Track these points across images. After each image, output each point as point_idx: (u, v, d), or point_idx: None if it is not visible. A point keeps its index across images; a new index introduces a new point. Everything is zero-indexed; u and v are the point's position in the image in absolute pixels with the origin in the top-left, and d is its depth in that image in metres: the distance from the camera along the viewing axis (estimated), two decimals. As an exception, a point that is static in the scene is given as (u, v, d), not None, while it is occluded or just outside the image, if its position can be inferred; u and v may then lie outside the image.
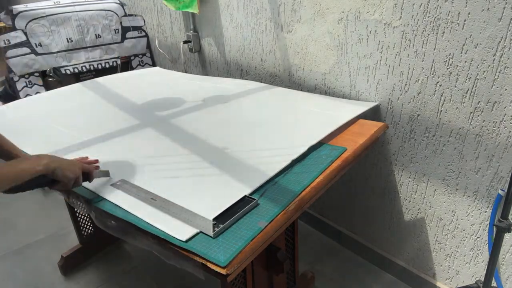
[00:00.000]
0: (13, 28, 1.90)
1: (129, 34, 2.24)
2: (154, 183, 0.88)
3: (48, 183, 0.81)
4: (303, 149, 0.99)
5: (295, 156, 0.96)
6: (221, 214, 0.75)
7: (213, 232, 0.69)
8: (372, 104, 1.26)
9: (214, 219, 0.73)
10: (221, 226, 0.71)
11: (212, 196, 0.82)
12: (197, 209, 0.77)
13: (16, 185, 0.75)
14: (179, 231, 0.72)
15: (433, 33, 1.08)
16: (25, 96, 1.94)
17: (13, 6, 1.93)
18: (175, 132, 1.16)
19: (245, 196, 0.80)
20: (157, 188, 0.86)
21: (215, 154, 1.01)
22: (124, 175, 0.93)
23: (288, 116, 1.22)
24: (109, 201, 0.84)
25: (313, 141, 1.02)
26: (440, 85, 1.12)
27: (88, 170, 0.87)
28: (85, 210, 0.89)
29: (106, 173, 0.92)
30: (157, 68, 1.92)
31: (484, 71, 1.01)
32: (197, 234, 0.71)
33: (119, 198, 0.84)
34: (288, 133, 1.11)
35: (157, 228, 0.74)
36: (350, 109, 1.22)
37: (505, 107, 1.00)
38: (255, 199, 0.78)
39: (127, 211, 0.80)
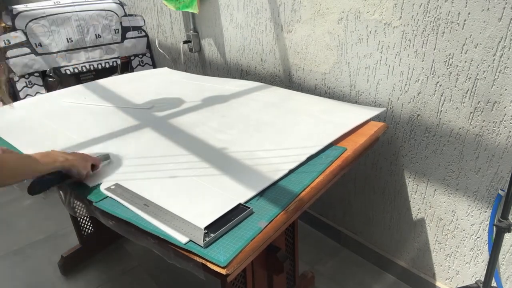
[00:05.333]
0: (13, 28, 1.90)
1: (129, 34, 2.24)
2: (150, 186, 0.88)
3: (63, 178, 0.89)
4: (311, 151, 0.98)
5: (299, 161, 0.94)
6: (214, 223, 0.73)
7: (203, 241, 0.68)
8: (379, 110, 1.21)
9: (205, 228, 0.71)
10: (212, 235, 0.70)
11: (209, 200, 0.81)
12: (191, 214, 0.76)
13: (37, 182, 0.84)
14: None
15: (433, 33, 1.08)
16: (25, 96, 1.94)
17: (13, 6, 1.93)
18: (173, 133, 1.16)
19: (240, 204, 0.78)
20: (153, 191, 0.85)
21: (214, 155, 1.01)
22: (121, 177, 0.92)
23: (290, 119, 1.20)
24: (108, 202, 0.84)
25: (318, 147, 1.00)
26: (440, 85, 1.12)
27: (95, 162, 0.94)
28: (84, 211, 0.89)
29: (106, 157, 0.98)
30: (165, 69, 1.92)
31: (484, 71, 1.01)
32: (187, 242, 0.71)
33: (111, 204, 0.83)
34: (290, 136, 1.09)
35: (157, 228, 0.74)
36: (357, 115, 1.18)
37: (505, 107, 1.00)
38: (249, 208, 0.77)
39: (127, 210, 0.80)
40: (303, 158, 0.95)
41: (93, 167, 0.93)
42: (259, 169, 0.92)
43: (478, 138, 1.08)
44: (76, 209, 0.93)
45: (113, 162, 0.99)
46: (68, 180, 0.90)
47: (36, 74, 1.98)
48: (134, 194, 0.85)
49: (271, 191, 0.84)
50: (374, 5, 1.19)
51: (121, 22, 2.20)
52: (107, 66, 2.19)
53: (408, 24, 1.13)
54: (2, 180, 0.76)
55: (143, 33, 2.30)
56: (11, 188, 1.08)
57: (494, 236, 1.10)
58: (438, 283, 1.37)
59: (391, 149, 1.33)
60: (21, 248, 1.78)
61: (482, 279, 1.11)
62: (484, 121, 1.06)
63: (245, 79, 1.79)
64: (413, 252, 1.41)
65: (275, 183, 0.87)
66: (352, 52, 1.31)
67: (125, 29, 2.22)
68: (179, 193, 0.84)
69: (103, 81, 1.72)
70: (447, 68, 1.08)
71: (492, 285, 1.09)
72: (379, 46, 1.22)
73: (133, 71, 2.23)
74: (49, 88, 2.00)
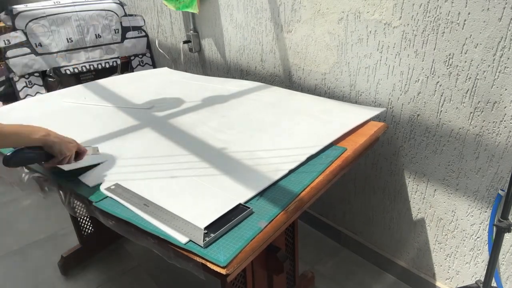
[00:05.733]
0: (13, 28, 1.90)
1: (129, 34, 2.24)
2: (150, 186, 0.88)
3: (43, 157, 0.85)
4: (311, 151, 0.97)
5: (299, 161, 0.94)
6: (214, 223, 0.73)
7: (203, 241, 0.69)
8: (379, 110, 1.21)
9: (205, 228, 0.72)
10: (212, 235, 0.70)
11: (209, 200, 0.81)
12: (191, 214, 0.76)
13: (15, 153, 0.80)
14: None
15: (433, 33, 1.08)
16: (25, 96, 1.94)
17: (13, 6, 1.93)
18: (173, 133, 1.16)
19: (239, 204, 0.78)
20: (153, 191, 0.85)
21: (214, 155, 1.01)
22: (121, 177, 0.92)
23: (290, 119, 1.20)
24: (108, 201, 0.84)
25: (318, 147, 1.00)
26: (440, 85, 1.12)
27: (81, 151, 0.92)
28: (84, 211, 0.89)
29: (95, 150, 0.98)
30: (165, 69, 1.92)
31: (484, 71, 1.01)
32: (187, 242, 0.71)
33: (111, 204, 0.83)
34: (290, 136, 1.09)
35: (157, 228, 0.74)
36: (357, 115, 1.17)
37: (505, 107, 1.00)
38: (249, 208, 0.77)
39: (127, 209, 0.80)
40: (303, 158, 0.95)
41: (78, 155, 0.91)
42: (259, 169, 0.92)
43: (478, 138, 1.08)
44: (76, 209, 0.93)
45: (104, 157, 1.00)
46: (50, 160, 0.86)
47: (36, 74, 1.98)
48: (134, 194, 0.85)
49: (271, 191, 0.84)
50: (374, 5, 1.19)
51: (121, 22, 2.20)
52: (107, 66, 2.19)
53: (408, 24, 1.13)
54: None
55: (143, 33, 2.30)
56: (11, 188, 1.08)
57: (494, 236, 1.11)
58: (438, 283, 1.37)
59: (391, 149, 1.33)
60: (21, 248, 1.78)
61: (482, 279, 1.11)
62: (484, 121, 1.06)
63: (245, 79, 1.79)
64: (413, 252, 1.41)
65: (275, 183, 0.87)
66: (352, 52, 1.31)
67: (125, 29, 2.22)
68: (179, 193, 0.84)
69: (103, 81, 1.72)
70: (447, 68, 1.08)
71: (492, 285, 1.09)
72: (379, 46, 1.22)
73: (133, 71, 2.24)
74: (49, 88, 2.00)
